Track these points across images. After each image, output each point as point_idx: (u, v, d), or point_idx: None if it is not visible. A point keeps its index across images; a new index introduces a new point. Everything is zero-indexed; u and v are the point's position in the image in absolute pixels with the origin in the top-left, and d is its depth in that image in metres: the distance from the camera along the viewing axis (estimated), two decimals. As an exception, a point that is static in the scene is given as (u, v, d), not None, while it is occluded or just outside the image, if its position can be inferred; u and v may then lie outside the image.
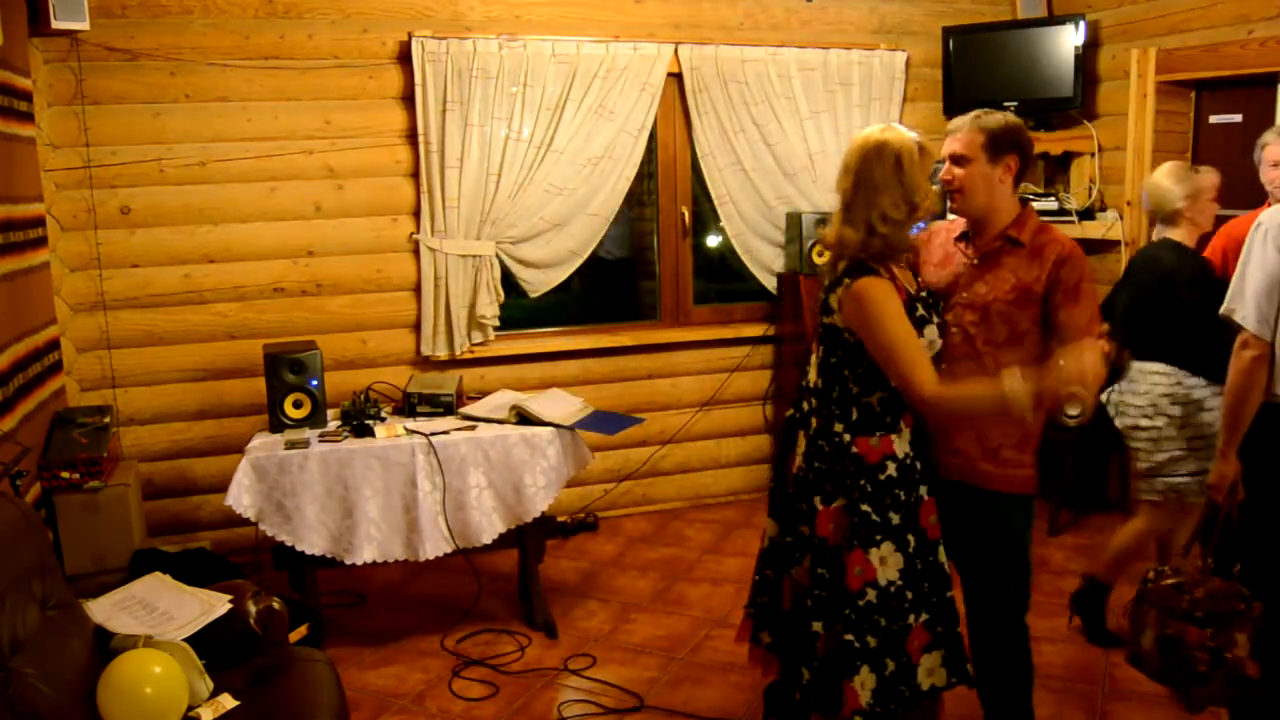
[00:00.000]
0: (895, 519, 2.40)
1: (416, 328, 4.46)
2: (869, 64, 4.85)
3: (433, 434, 3.45)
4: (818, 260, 4.56)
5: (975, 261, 2.46)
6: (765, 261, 4.92)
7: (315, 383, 3.51)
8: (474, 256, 4.40)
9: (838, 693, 2.40)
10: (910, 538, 2.41)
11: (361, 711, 3.12)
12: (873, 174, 2.31)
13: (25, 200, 3.54)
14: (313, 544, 3.34)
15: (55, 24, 3.58)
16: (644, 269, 5.12)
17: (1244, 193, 3.59)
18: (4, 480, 2.78)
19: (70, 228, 3.95)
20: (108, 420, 3.60)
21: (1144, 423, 3.30)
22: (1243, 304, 2.48)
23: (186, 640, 2.40)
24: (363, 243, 4.34)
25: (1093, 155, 4.83)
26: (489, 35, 4.29)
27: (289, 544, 3.33)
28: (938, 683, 2.47)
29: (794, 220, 4.74)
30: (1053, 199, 4.79)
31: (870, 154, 2.32)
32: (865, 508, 2.39)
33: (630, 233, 5.29)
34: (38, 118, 3.77)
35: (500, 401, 3.76)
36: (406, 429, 3.50)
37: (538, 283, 4.59)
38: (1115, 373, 3.41)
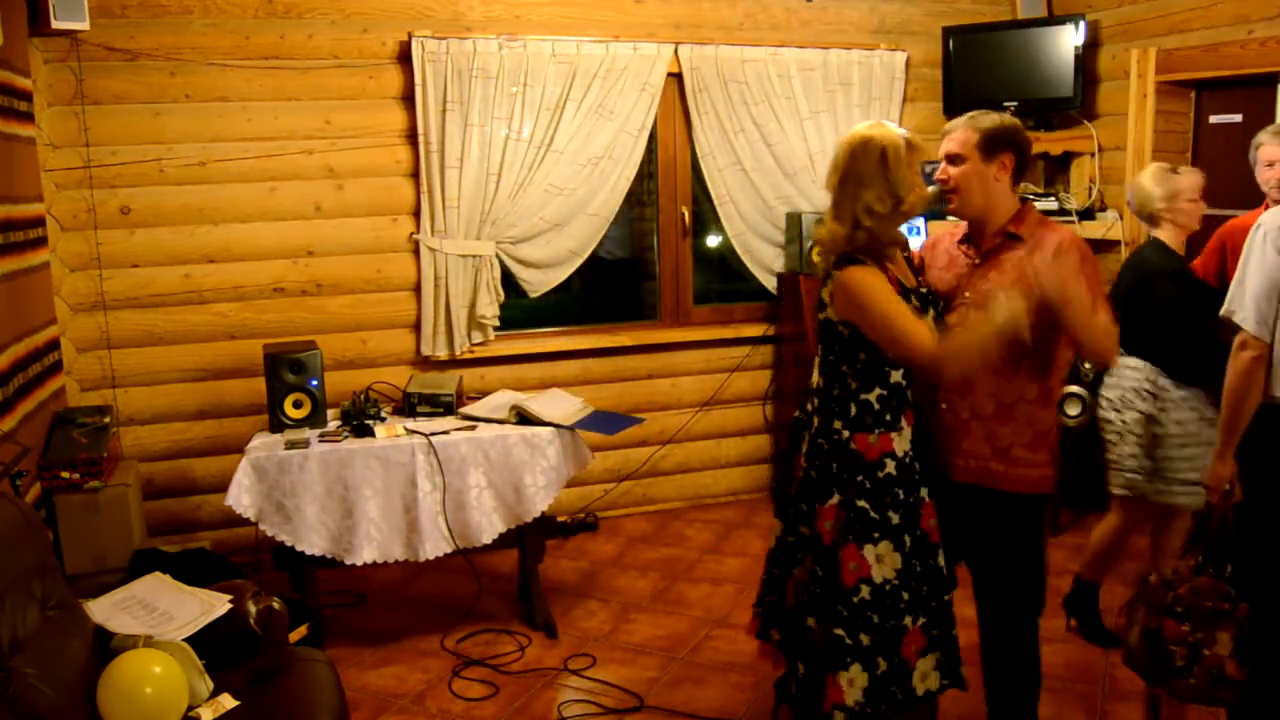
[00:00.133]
0: (894, 518, 2.40)
1: (416, 328, 4.46)
2: (869, 64, 4.85)
3: (433, 434, 3.45)
4: (818, 260, 4.55)
5: (977, 261, 2.47)
6: (765, 261, 4.92)
7: (315, 383, 3.51)
8: (474, 256, 4.40)
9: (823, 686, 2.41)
10: (908, 538, 2.41)
11: (361, 711, 3.12)
12: (858, 169, 2.34)
13: (25, 200, 3.54)
14: (313, 544, 3.34)
15: (55, 24, 3.58)
16: (646, 269, 5.12)
17: (1245, 193, 3.59)
18: (4, 480, 2.78)
19: (70, 228, 3.95)
20: (108, 420, 3.60)
21: (1112, 415, 3.35)
22: (1242, 305, 2.48)
23: (186, 640, 2.40)
24: (363, 243, 4.34)
25: (1093, 155, 4.83)
26: (489, 35, 4.29)
27: (289, 544, 3.33)
28: (931, 687, 2.47)
29: (794, 220, 4.74)
30: (1053, 199, 4.79)
31: (856, 150, 2.36)
32: (862, 504, 2.39)
33: (631, 233, 5.29)
34: (38, 118, 3.77)
35: (500, 401, 3.76)
36: (406, 429, 3.50)
37: (538, 283, 4.59)
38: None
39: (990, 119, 2.43)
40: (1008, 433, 2.42)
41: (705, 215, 4.98)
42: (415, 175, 4.35)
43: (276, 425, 3.49)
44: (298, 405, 3.51)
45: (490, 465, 3.48)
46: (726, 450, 5.06)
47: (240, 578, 3.01)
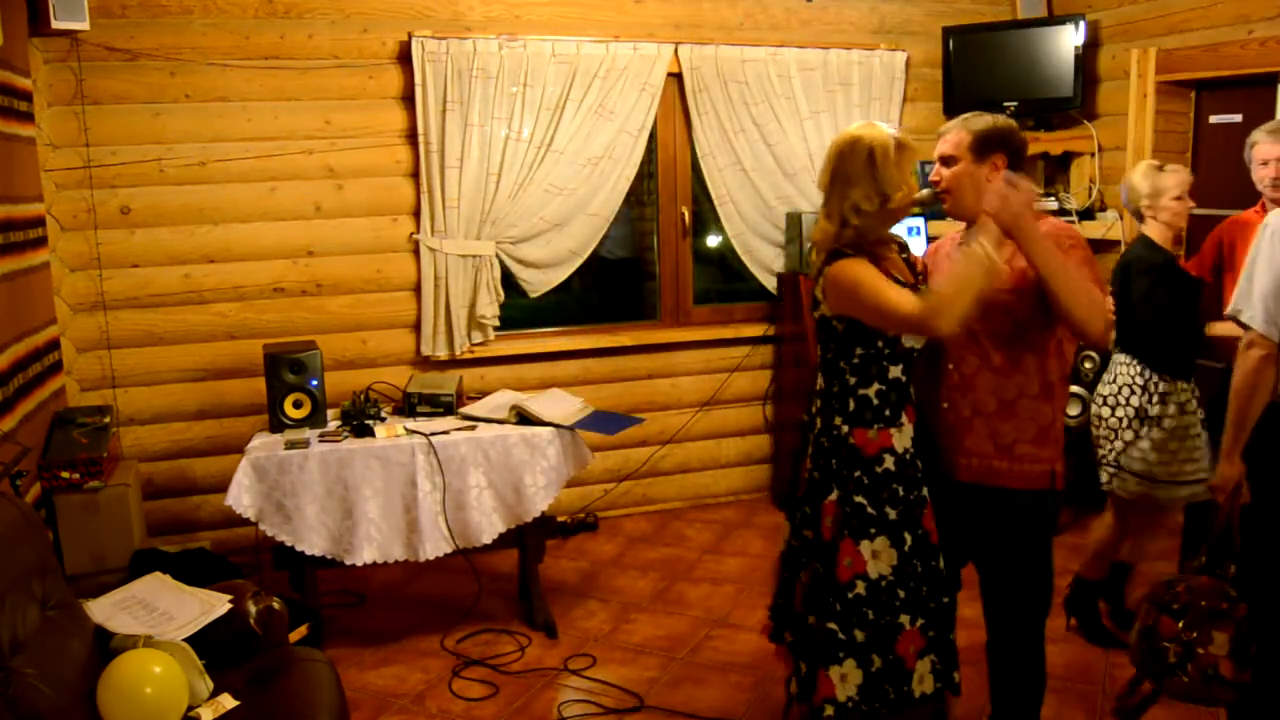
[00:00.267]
0: (892, 514, 2.40)
1: (416, 328, 4.46)
2: (869, 64, 4.85)
3: (433, 434, 3.45)
4: (813, 260, 4.57)
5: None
6: (765, 261, 4.92)
7: (315, 383, 3.51)
8: (474, 256, 4.40)
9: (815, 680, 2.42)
10: (908, 535, 2.41)
11: (361, 711, 3.12)
12: (846, 169, 2.37)
13: (25, 200, 3.54)
14: (313, 544, 3.34)
15: (55, 24, 3.58)
16: (648, 269, 5.12)
17: (1245, 193, 3.59)
18: (4, 480, 2.78)
19: (70, 228, 3.95)
20: (108, 420, 3.60)
21: (1105, 412, 3.37)
22: (1250, 304, 2.47)
23: (186, 640, 2.40)
24: (363, 243, 4.34)
25: (1093, 155, 4.84)
26: (489, 35, 4.29)
27: (289, 544, 3.33)
28: (927, 690, 2.47)
29: (794, 220, 4.74)
30: (1053, 199, 4.80)
31: (844, 150, 2.39)
32: (859, 499, 2.40)
33: (633, 233, 5.29)
34: (38, 118, 3.77)
35: (500, 401, 3.76)
36: (406, 429, 3.50)
37: (538, 283, 4.59)
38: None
39: (983, 121, 2.44)
40: (1010, 429, 2.41)
41: (705, 215, 4.98)
42: (415, 175, 4.35)
43: (276, 425, 3.49)
44: (298, 405, 3.51)
45: (490, 465, 3.48)
46: (726, 450, 5.06)
47: (240, 578, 3.01)
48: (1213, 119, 4.46)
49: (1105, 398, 3.37)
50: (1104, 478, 3.41)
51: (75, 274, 3.99)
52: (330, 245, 4.30)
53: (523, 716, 3.13)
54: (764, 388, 5.05)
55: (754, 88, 4.69)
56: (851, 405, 2.42)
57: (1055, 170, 5.07)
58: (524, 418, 3.60)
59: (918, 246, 4.37)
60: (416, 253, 4.39)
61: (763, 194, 4.82)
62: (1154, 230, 3.28)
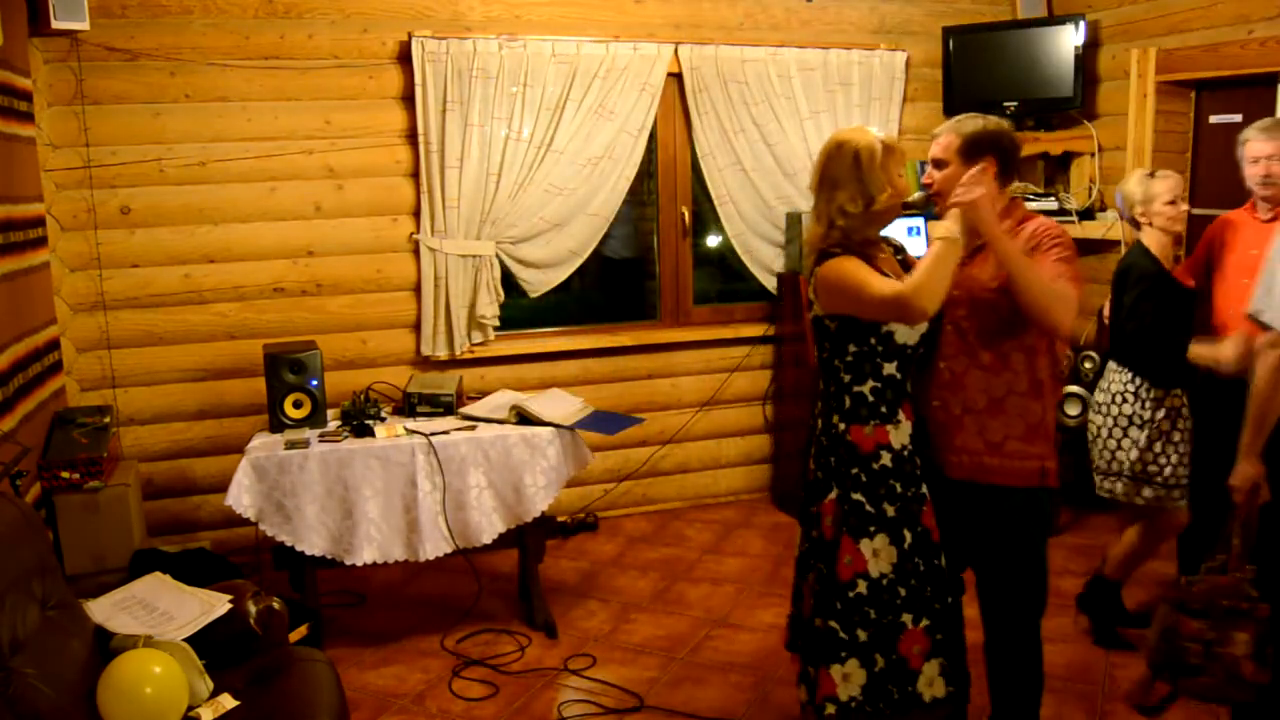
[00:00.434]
0: (890, 511, 2.41)
1: (416, 328, 4.46)
2: (869, 64, 4.85)
3: (433, 434, 3.45)
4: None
5: (965, 257, 2.48)
6: (765, 261, 4.92)
7: (315, 383, 3.51)
8: (474, 256, 4.40)
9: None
10: (907, 533, 2.41)
11: (361, 711, 3.12)
12: (832, 171, 2.41)
13: (25, 200, 3.54)
14: (313, 544, 3.34)
15: (55, 24, 3.58)
16: (650, 269, 5.12)
17: (1245, 193, 3.59)
18: (4, 480, 2.78)
19: (70, 228, 3.95)
20: (108, 420, 3.60)
21: (1099, 418, 3.39)
22: (1270, 305, 2.46)
23: (186, 640, 2.40)
24: (363, 243, 4.34)
25: (1093, 155, 4.83)
26: (489, 35, 4.29)
27: (289, 544, 3.33)
28: (938, 694, 2.46)
29: (794, 220, 4.73)
30: (1053, 199, 4.79)
31: (831, 153, 2.43)
32: (857, 497, 2.40)
33: (637, 233, 5.29)
34: (38, 118, 3.77)
35: (500, 401, 3.76)
36: (406, 429, 3.50)
37: (538, 283, 4.59)
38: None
39: (973, 123, 2.47)
40: (999, 425, 2.43)
41: (705, 215, 4.98)
42: (415, 175, 4.35)
43: (276, 425, 3.49)
44: (298, 405, 3.51)
45: (490, 465, 3.48)
46: (726, 450, 5.06)
47: (240, 578, 3.01)
48: (1213, 119, 4.46)
49: (1100, 405, 3.39)
50: (1098, 484, 3.42)
51: (75, 274, 3.99)
52: (330, 245, 4.30)
53: (523, 716, 3.13)
54: (764, 388, 5.05)
55: (754, 88, 4.69)
56: (847, 403, 2.44)
57: (1055, 170, 5.07)
58: (524, 418, 3.60)
59: (918, 247, 4.37)
60: (416, 253, 4.39)
61: (763, 194, 4.82)
62: (1150, 237, 3.29)
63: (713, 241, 5.19)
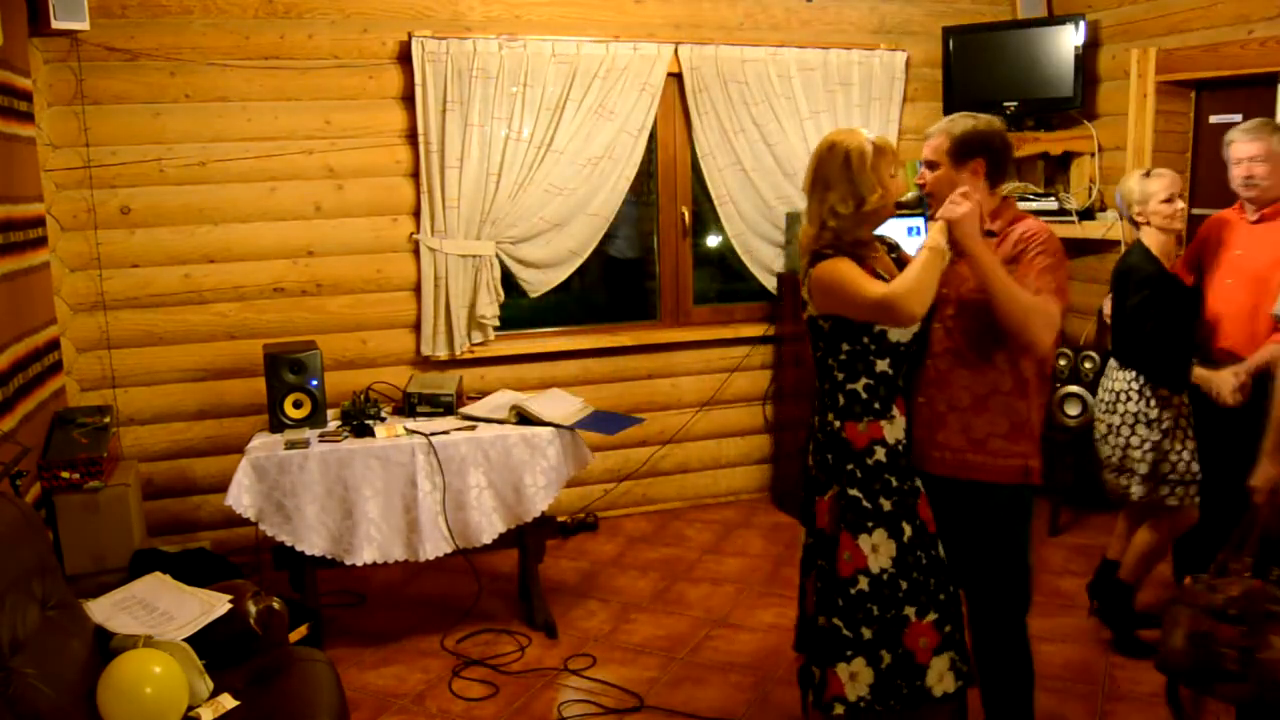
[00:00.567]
0: (886, 505, 2.42)
1: (416, 328, 4.46)
2: (869, 64, 4.85)
3: (433, 434, 3.45)
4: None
5: (955, 258, 2.48)
6: (765, 261, 4.92)
7: (315, 383, 3.51)
8: (474, 256, 4.40)
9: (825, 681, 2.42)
10: (906, 526, 2.42)
11: (361, 711, 3.12)
12: (824, 173, 2.44)
13: (25, 200, 3.54)
14: (313, 544, 3.34)
15: (55, 24, 3.58)
16: (651, 269, 5.12)
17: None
18: (4, 480, 2.78)
19: (70, 228, 3.95)
20: (108, 420, 3.60)
21: (1103, 418, 3.39)
22: None
23: (186, 640, 2.40)
24: (363, 243, 4.34)
25: (1093, 155, 4.83)
26: (489, 35, 4.29)
27: (289, 544, 3.33)
28: (948, 689, 2.46)
29: (794, 220, 4.74)
30: (1053, 199, 4.79)
31: (823, 154, 2.45)
32: (854, 492, 2.42)
33: (638, 232, 5.29)
34: (38, 118, 3.77)
35: (500, 401, 3.76)
36: (406, 429, 3.50)
37: (538, 283, 4.59)
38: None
39: (964, 124, 2.48)
40: (983, 423, 2.44)
41: (705, 215, 4.98)
42: (415, 175, 4.35)
43: (276, 425, 3.49)
44: (298, 405, 3.51)
45: (490, 465, 3.48)
46: (726, 450, 5.06)
47: (240, 578, 3.01)
48: (1213, 119, 4.46)
49: (1105, 404, 3.38)
50: (1109, 480, 3.41)
51: (75, 274, 3.99)
52: (330, 245, 4.30)
53: (523, 716, 3.13)
54: (764, 388, 5.05)
55: (754, 88, 4.69)
56: (841, 400, 2.46)
57: (1055, 170, 5.06)
58: (524, 418, 3.60)
59: (917, 247, 4.37)
60: (416, 253, 4.39)
61: (763, 194, 4.82)
62: (1150, 237, 3.28)
63: (713, 241, 5.19)
